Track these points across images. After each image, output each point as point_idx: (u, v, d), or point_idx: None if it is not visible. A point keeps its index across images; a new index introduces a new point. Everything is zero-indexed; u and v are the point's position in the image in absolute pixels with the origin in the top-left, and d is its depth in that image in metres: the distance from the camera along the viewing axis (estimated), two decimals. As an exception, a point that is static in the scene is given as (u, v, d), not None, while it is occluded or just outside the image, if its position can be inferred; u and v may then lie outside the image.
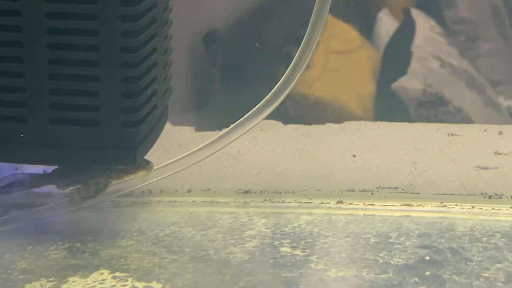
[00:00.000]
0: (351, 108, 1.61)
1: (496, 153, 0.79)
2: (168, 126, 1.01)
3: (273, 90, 0.80)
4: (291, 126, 1.00)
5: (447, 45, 1.78)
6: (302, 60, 0.80)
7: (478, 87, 1.75)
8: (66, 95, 0.67)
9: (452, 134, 0.84)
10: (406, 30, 1.74)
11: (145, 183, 0.80)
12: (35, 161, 0.70)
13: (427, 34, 1.76)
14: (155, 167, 0.78)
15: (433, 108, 1.65)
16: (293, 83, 0.81)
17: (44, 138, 0.68)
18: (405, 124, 1.02)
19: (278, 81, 0.79)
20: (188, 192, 0.83)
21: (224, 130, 0.81)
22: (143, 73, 0.69)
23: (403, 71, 1.64)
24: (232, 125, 0.80)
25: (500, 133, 0.82)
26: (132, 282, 0.64)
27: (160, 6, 0.72)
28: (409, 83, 1.64)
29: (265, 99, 0.80)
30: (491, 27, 1.92)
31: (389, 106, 1.63)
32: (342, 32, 1.68)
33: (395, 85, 1.62)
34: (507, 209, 0.74)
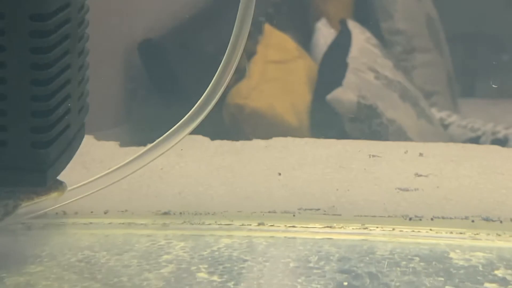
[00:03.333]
0: (287, 118, 1.60)
1: (417, 174, 0.79)
2: (91, 141, 0.98)
3: (196, 104, 0.78)
4: (217, 142, 0.98)
5: (382, 57, 1.79)
6: (224, 74, 0.77)
7: (412, 99, 1.76)
8: (-29, 114, 0.64)
9: (373, 156, 0.83)
10: (342, 41, 1.74)
11: (58, 205, 0.77)
12: None
13: (363, 46, 1.76)
14: (71, 187, 0.75)
15: (367, 120, 1.66)
16: (216, 98, 0.78)
17: None
18: (332, 141, 1.01)
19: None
20: (105, 213, 0.80)
21: (145, 148, 0.78)
22: (55, 91, 0.65)
23: (338, 83, 1.64)
24: (154, 142, 0.77)
25: (421, 154, 0.82)
26: (38, 312, 0.60)
27: (73, 21, 0.69)
28: (344, 95, 1.64)
29: (188, 113, 0.77)
30: (426, 39, 1.94)
31: (324, 117, 1.62)
32: (280, 42, 1.67)
33: (330, 96, 1.62)
34: (426, 232, 0.74)
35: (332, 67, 1.75)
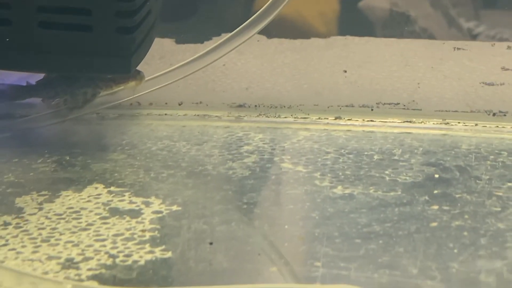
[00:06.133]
0: (316, 27, 1.57)
1: (503, 68, 0.76)
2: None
3: (266, 4, 0.77)
4: (275, 40, 0.96)
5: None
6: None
7: (442, 7, 1.72)
8: (56, -3, 0.62)
9: (458, 48, 0.81)
10: None
11: (135, 95, 0.76)
12: (21, 67, 0.65)
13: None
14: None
15: (399, 28, 1.62)
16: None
17: (31, 43, 0.63)
18: (393, 40, 0.99)
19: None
20: (179, 105, 0.79)
21: (217, 43, 0.77)
22: (139, -26, 0.64)
23: (368, -10, 1.60)
24: (225, 37, 0.76)
25: (509, 47, 0.79)
26: (129, 197, 0.60)
27: None
28: (376, 2, 1.60)
29: (258, 13, 0.76)
30: None
31: (353, 26, 1.59)
32: None
33: (362, 3, 1.59)
34: (511, 127, 0.72)
35: (360, -26, 1.70)
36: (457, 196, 0.60)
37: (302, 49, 0.94)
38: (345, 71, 0.87)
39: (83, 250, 0.53)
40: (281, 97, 0.80)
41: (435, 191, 0.61)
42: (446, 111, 0.75)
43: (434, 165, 0.66)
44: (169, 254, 0.52)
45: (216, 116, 0.78)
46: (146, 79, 0.74)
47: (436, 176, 0.63)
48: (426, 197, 0.60)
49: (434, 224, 0.56)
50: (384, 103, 0.78)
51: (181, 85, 0.81)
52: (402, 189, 0.61)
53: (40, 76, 0.72)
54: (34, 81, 0.72)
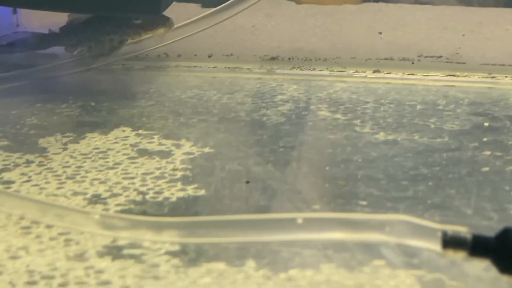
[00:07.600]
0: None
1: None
2: (173, 4, 0.93)
3: None
4: (305, 6, 0.92)
5: None
6: None
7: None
8: None
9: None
10: None
11: (163, 44, 0.73)
12: (47, 6, 0.62)
13: None
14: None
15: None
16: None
17: (57, -21, 0.60)
18: (428, 6, 0.95)
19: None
20: (209, 57, 0.76)
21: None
22: None
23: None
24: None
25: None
26: (158, 139, 0.57)
27: None
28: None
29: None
30: None
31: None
32: None
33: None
34: (561, 81, 0.68)
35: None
36: (509, 143, 0.56)
37: (333, 13, 0.91)
38: (380, 33, 0.83)
39: (110, 187, 0.49)
40: (315, 51, 0.77)
41: (485, 139, 0.57)
42: (492, 64, 0.71)
43: (482, 114, 0.61)
44: (202, 192, 0.49)
45: (248, 68, 0.74)
46: (175, 26, 0.71)
47: (486, 124, 0.59)
48: (476, 144, 0.56)
49: (486, 168, 0.52)
50: (426, 56, 0.74)
51: (210, 40, 0.77)
52: (449, 136, 0.57)
53: (64, 23, 0.69)
54: (57, 28, 0.69)
